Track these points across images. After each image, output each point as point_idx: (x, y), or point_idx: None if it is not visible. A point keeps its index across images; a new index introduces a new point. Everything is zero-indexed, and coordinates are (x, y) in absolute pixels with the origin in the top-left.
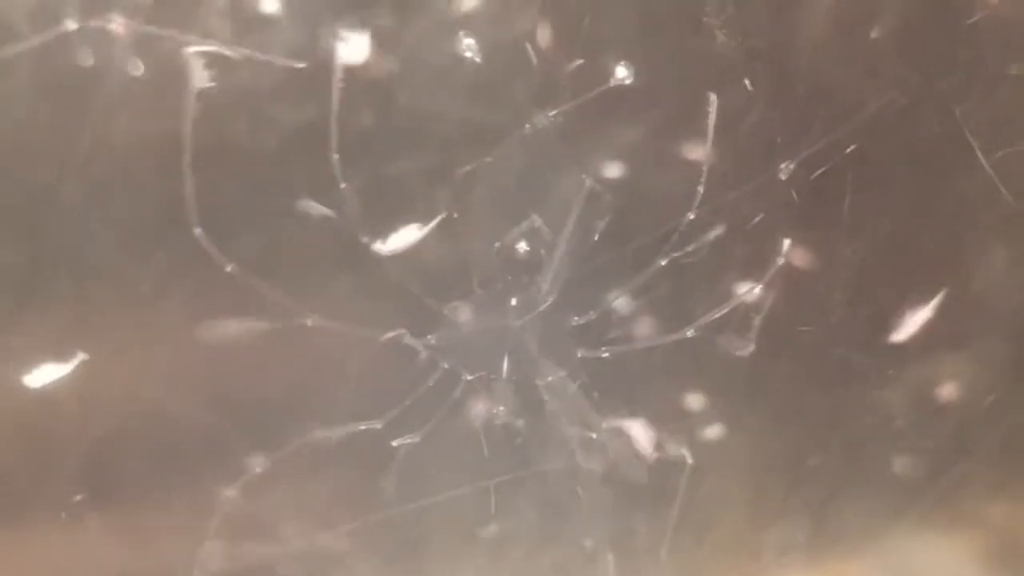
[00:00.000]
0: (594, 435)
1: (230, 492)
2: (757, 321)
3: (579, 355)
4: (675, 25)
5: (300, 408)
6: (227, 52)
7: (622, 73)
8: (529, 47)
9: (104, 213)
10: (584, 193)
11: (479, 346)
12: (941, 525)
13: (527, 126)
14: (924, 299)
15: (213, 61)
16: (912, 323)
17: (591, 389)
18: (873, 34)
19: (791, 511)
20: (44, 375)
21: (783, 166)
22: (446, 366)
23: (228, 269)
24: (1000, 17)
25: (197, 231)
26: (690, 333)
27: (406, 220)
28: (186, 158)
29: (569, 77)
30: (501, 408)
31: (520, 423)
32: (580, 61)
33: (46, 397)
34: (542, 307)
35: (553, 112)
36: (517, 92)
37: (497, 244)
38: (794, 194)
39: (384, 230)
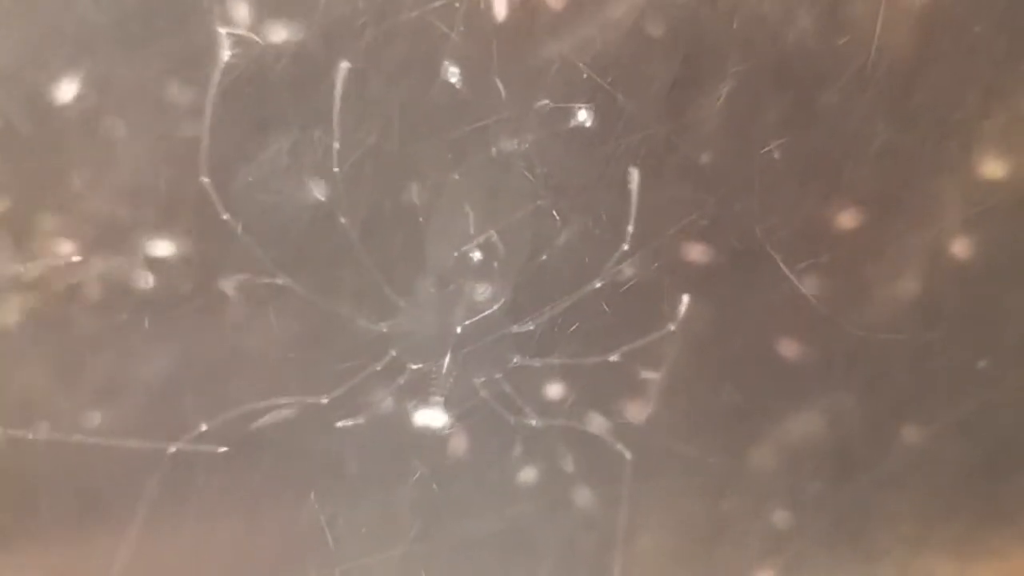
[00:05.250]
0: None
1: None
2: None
3: (514, 361)
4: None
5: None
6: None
7: (583, 116)
8: (499, 81)
9: None
10: (538, 216)
11: (426, 340)
12: None
13: (493, 150)
14: (743, 407)
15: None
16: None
17: (521, 394)
18: (672, 163)
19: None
20: None
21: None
22: (394, 353)
23: (224, 217)
24: (793, 146)
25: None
26: (613, 358)
27: (382, 214)
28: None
29: (535, 113)
30: (439, 398)
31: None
32: (546, 101)
33: None
34: (487, 312)
35: (517, 141)
36: (488, 119)
37: (455, 253)
38: (604, 305)
39: (363, 218)
